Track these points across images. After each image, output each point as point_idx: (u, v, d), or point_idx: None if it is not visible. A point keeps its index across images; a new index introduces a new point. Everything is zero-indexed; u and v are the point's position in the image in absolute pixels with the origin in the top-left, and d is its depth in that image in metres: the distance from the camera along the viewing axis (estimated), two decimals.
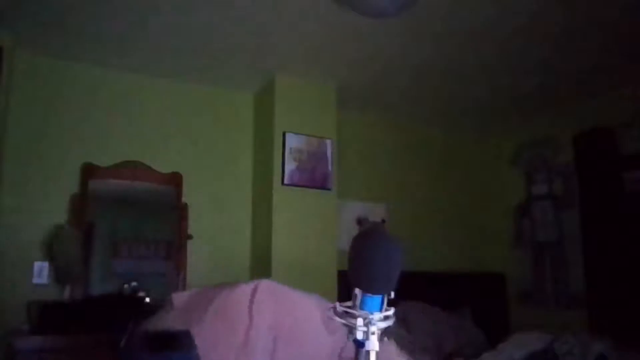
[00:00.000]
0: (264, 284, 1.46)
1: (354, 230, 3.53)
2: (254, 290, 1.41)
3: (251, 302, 1.38)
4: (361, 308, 0.76)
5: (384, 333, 0.76)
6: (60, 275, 2.76)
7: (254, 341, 1.32)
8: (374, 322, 0.75)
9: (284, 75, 3.28)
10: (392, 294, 0.77)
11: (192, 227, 3.20)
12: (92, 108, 3.09)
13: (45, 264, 2.77)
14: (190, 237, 3.17)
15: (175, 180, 3.22)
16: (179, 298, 1.58)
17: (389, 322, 0.77)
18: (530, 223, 4.00)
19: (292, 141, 3.21)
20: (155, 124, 3.26)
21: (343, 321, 0.76)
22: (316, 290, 2.99)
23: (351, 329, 0.76)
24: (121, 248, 3.09)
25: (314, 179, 3.22)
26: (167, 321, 1.50)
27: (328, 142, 3.33)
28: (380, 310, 0.76)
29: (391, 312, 0.78)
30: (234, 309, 1.38)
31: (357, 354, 0.75)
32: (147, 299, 2.96)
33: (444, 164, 4.32)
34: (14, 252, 2.73)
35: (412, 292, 3.16)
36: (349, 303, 0.78)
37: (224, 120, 3.50)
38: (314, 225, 3.15)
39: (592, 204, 3.43)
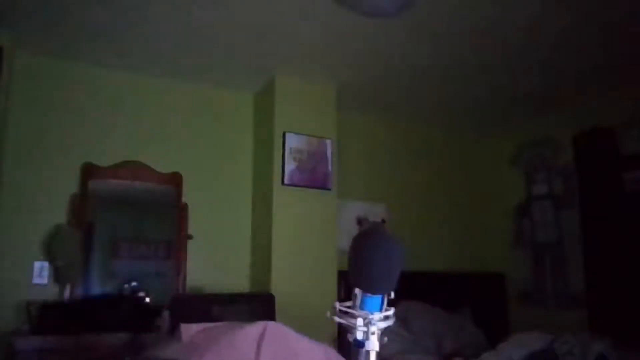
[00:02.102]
0: (272, 326, 1.46)
1: (354, 230, 3.53)
2: (263, 331, 1.42)
3: (260, 341, 1.39)
4: (361, 308, 0.76)
5: (384, 333, 0.76)
6: (60, 275, 2.76)
7: None
8: (374, 322, 0.75)
9: (284, 75, 3.28)
10: (392, 294, 0.77)
11: (192, 227, 3.20)
12: (92, 108, 3.09)
13: (45, 264, 2.77)
14: (190, 237, 3.17)
15: (175, 180, 3.22)
16: (187, 331, 1.59)
17: (389, 322, 0.77)
18: (530, 223, 4.00)
19: (292, 141, 3.20)
20: (155, 124, 3.26)
21: (343, 321, 0.76)
22: (316, 291, 2.99)
23: (351, 329, 0.76)
24: (121, 248, 3.09)
25: (314, 179, 3.22)
26: (172, 352, 1.51)
27: (328, 142, 3.33)
28: (380, 310, 0.76)
29: (391, 312, 0.77)
30: (242, 348, 1.39)
31: (357, 354, 0.75)
32: (147, 299, 2.97)
33: (444, 164, 4.32)
34: (14, 252, 2.73)
35: (412, 292, 3.16)
36: (349, 303, 0.77)
37: (224, 120, 3.50)
38: (314, 225, 3.15)
39: (592, 204, 3.43)
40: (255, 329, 1.44)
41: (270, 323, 1.48)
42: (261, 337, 1.41)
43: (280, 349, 1.41)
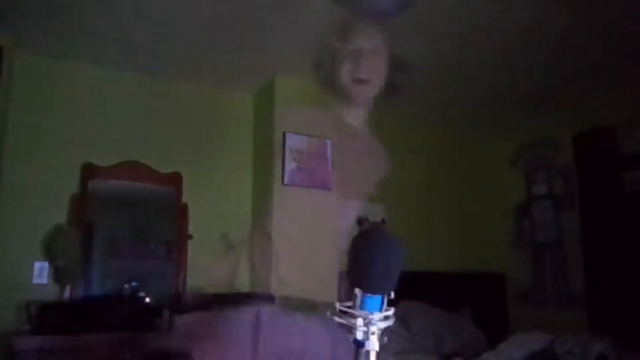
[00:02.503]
0: (267, 310, 1.46)
1: (354, 230, 3.53)
2: (258, 317, 1.41)
3: (256, 328, 1.38)
4: (361, 308, 0.76)
5: (384, 333, 0.76)
6: (60, 275, 2.76)
7: None
8: (374, 322, 0.75)
9: (284, 75, 3.28)
10: (392, 294, 0.77)
11: (192, 227, 3.20)
12: (92, 108, 3.09)
13: (45, 264, 2.77)
14: (190, 237, 3.17)
15: (175, 180, 3.22)
16: (182, 321, 1.59)
17: (389, 322, 0.77)
18: (530, 223, 4.00)
19: (292, 141, 3.20)
20: (156, 124, 3.26)
21: (343, 321, 0.76)
22: (316, 290, 2.98)
23: (351, 329, 0.76)
24: (121, 248, 3.09)
25: (314, 179, 3.22)
26: (169, 342, 1.51)
27: (328, 142, 3.32)
28: (380, 310, 0.76)
29: (391, 312, 0.77)
30: (238, 335, 1.38)
31: (357, 354, 0.75)
32: (147, 299, 2.97)
33: (444, 164, 4.32)
34: (14, 252, 2.73)
35: (412, 292, 3.16)
36: (349, 303, 0.77)
37: (224, 120, 3.50)
38: (314, 225, 3.14)
39: (592, 204, 3.43)
40: (250, 313, 1.43)
41: (265, 308, 1.46)
42: (257, 321, 1.40)
43: (279, 331, 1.39)
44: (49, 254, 2.77)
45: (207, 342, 1.42)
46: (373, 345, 0.74)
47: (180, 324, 1.60)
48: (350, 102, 1.45)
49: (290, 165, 1.54)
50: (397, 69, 1.46)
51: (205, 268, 3.14)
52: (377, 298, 0.76)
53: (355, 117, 1.50)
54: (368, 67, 1.38)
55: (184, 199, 3.22)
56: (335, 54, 1.42)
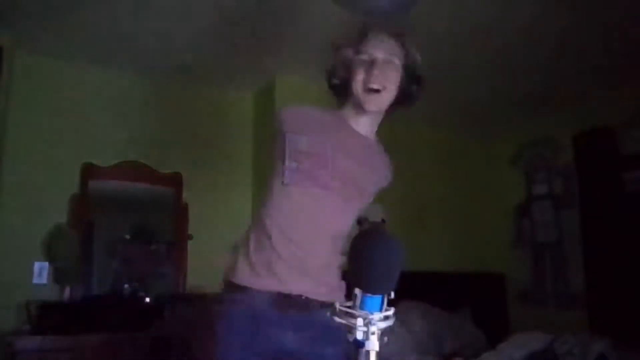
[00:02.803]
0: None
1: (354, 230, 3.52)
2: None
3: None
4: (361, 308, 0.76)
5: (384, 333, 0.76)
6: (60, 275, 2.76)
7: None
8: (374, 322, 0.75)
9: (284, 75, 3.28)
10: (392, 294, 0.77)
11: (192, 227, 3.20)
12: (92, 108, 3.09)
13: (45, 264, 2.77)
14: (190, 237, 3.17)
15: (175, 180, 3.22)
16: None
17: (389, 322, 0.77)
18: (530, 223, 4.00)
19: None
20: (156, 124, 3.26)
21: (343, 321, 0.77)
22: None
23: (351, 329, 0.76)
24: (121, 248, 3.09)
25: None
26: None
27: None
28: (380, 310, 0.76)
29: (391, 312, 0.78)
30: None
31: (357, 354, 0.75)
32: (147, 299, 2.97)
33: (444, 164, 4.31)
34: (14, 252, 2.73)
35: (412, 292, 3.16)
36: (349, 303, 0.78)
37: (224, 120, 3.50)
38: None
39: (592, 204, 3.43)
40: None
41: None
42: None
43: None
44: (49, 254, 2.77)
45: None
46: (373, 345, 0.74)
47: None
48: (362, 111, 1.45)
49: (290, 165, 1.53)
50: (412, 78, 1.46)
51: (206, 267, 3.14)
52: (377, 298, 0.76)
53: (366, 125, 1.50)
54: (381, 76, 1.38)
55: (184, 199, 3.22)
56: (348, 62, 1.42)
